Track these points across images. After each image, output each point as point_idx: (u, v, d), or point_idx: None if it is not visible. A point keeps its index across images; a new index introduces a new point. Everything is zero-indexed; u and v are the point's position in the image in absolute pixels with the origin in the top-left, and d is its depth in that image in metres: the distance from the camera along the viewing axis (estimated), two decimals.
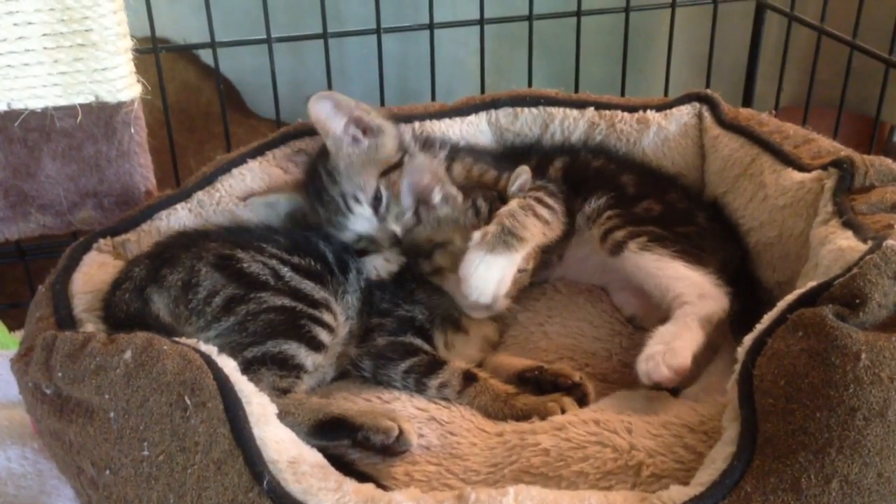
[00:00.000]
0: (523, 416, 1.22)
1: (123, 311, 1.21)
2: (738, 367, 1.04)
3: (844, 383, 0.93)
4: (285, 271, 1.31)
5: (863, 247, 1.07)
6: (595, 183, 1.51)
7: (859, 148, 1.38)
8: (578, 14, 1.95)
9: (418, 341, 1.35)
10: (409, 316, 1.38)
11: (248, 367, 1.15)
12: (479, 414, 1.24)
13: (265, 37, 1.75)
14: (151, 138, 1.60)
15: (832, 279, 1.01)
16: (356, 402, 1.28)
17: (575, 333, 1.45)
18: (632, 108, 1.64)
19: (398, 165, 1.43)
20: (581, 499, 0.97)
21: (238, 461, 0.98)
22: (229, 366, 1.06)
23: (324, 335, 1.28)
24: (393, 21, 1.86)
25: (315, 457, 1.05)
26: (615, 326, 1.46)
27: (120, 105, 1.49)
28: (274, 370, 1.21)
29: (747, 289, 1.40)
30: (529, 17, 1.91)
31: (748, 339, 1.05)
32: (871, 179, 1.25)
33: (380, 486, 1.05)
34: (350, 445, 1.17)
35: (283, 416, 1.09)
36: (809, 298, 1.02)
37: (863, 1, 1.85)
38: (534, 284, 1.50)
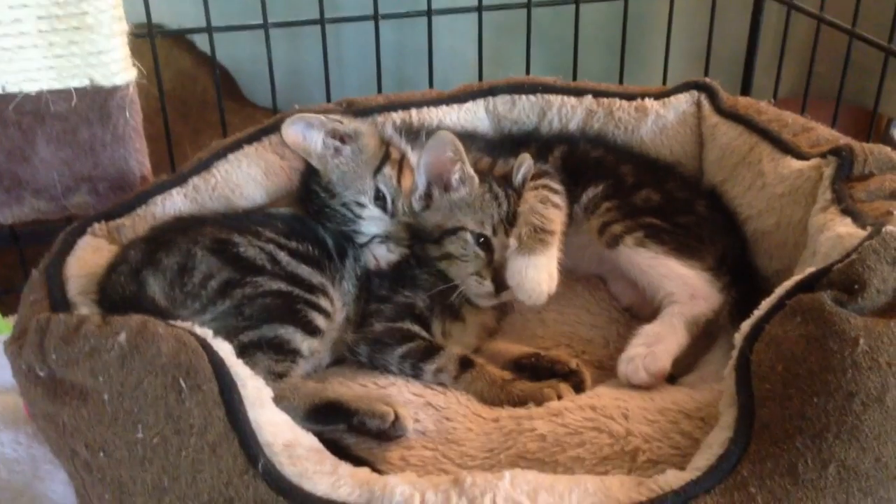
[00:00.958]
0: (520, 402, 1.21)
1: (119, 293, 1.20)
2: (735, 352, 1.04)
3: (842, 368, 0.93)
4: (282, 256, 1.30)
5: (861, 233, 1.07)
6: (593, 173, 1.50)
7: (856, 140, 1.38)
8: (577, 1, 1.94)
9: (416, 327, 1.34)
10: (409, 302, 1.37)
11: (243, 352, 1.14)
12: (474, 399, 1.24)
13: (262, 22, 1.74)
14: (147, 125, 1.59)
15: (831, 265, 1.01)
16: (352, 388, 1.27)
17: (572, 321, 1.45)
18: (630, 96, 1.63)
19: (386, 158, 1.43)
20: (577, 483, 0.96)
21: (233, 444, 0.98)
22: (224, 349, 1.05)
23: (320, 320, 1.28)
24: (390, 9, 1.86)
25: (310, 440, 1.05)
26: (612, 314, 1.46)
27: (115, 89, 1.47)
28: (269, 354, 1.20)
29: (746, 277, 1.39)
30: (528, 5, 1.90)
31: (746, 325, 1.05)
32: (869, 167, 1.25)
33: (375, 470, 1.05)
34: (346, 430, 1.17)
35: (279, 400, 1.08)
36: (808, 284, 1.02)
37: None
38: None
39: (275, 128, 1.57)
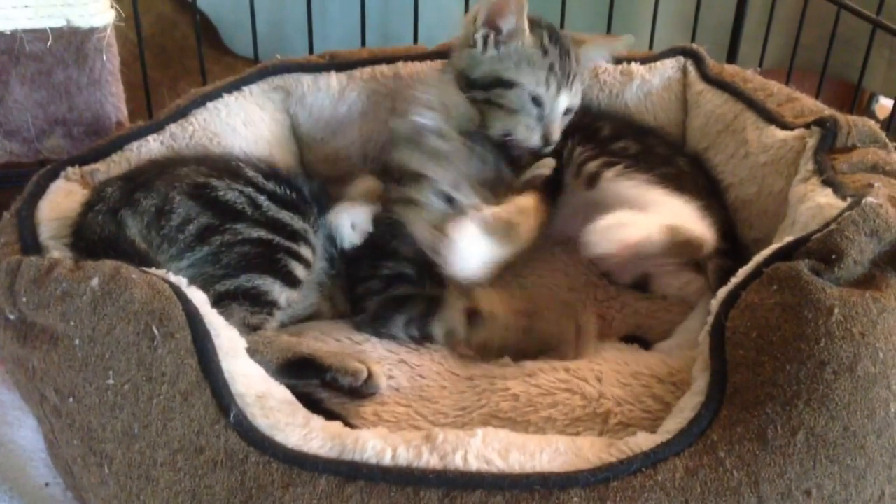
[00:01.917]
0: (541, 343, 1.21)
1: (97, 233, 1.17)
2: (710, 318, 1.04)
3: (816, 337, 0.94)
4: (262, 200, 1.26)
5: (841, 204, 1.07)
6: (569, 130, 1.48)
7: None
8: None
9: (407, 288, 1.32)
10: (395, 273, 1.34)
11: (218, 302, 1.13)
12: (449, 357, 1.23)
13: None
14: (124, 70, 1.55)
15: (809, 234, 1.02)
16: (327, 342, 1.27)
17: (550, 284, 1.45)
18: (616, 60, 1.61)
19: None
20: (548, 443, 0.97)
21: (205, 393, 0.97)
22: (199, 298, 1.04)
23: (300, 270, 1.25)
24: None
25: (283, 393, 1.04)
26: (590, 278, 1.46)
27: (92, 31, 1.44)
28: (245, 306, 1.19)
29: (728, 246, 1.39)
30: None
31: (722, 292, 1.05)
32: (853, 140, 1.25)
33: (348, 424, 1.05)
34: (318, 386, 1.16)
35: (252, 353, 1.07)
36: (786, 253, 1.02)
37: None
38: None
39: (255, 78, 1.55)
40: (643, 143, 1.47)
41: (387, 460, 0.94)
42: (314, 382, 1.16)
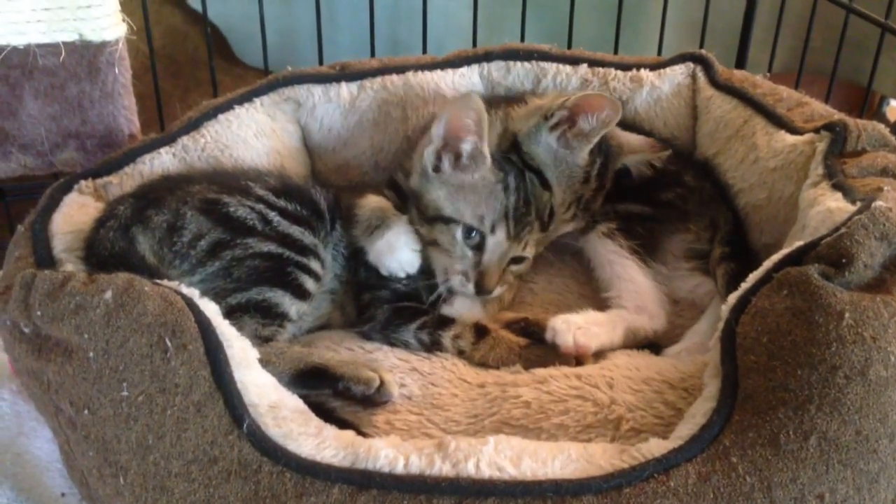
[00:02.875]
0: (536, 366, 1.21)
1: (108, 249, 1.18)
2: (721, 324, 1.04)
3: (827, 342, 0.94)
4: (273, 216, 1.28)
5: (851, 208, 1.07)
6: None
7: (849, 116, 1.38)
8: None
9: (419, 305, 1.33)
10: (409, 290, 1.34)
11: (230, 314, 1.14)
12: (460, 365, 1.24)
13: None
14: (136, 82, 1.57)
15: (819, 239, 1.02)
16: (338, 352, 1.27)
17: (561, 289, 1.45)
18: (625, 67, 1.62)
19: None
20: (560, 450, 0.97)
21: (218, 404, 0.98)
22: (211, 309, 1.05)
23: (310, 283, 1.27)
24: None
25: (296, 402, 1.05)
26: None
27: (104, 44, 1.45)
28: (257, 318, 1.20)
29: (741, 252, 1.39)
30: None
31: (733, 297, 1.05)
32: (862, 144, 1.25)
33: (360, 433, 1.05)
34: (331, 395, 1.17)
35: (264, 364, 1.08)
36: (796, 258, 1.02)
37: None
38: None
39: (266, 89, 1.56)
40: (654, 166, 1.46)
41: (399, 469, 0.94)
42: (326, 392, 1.16)
